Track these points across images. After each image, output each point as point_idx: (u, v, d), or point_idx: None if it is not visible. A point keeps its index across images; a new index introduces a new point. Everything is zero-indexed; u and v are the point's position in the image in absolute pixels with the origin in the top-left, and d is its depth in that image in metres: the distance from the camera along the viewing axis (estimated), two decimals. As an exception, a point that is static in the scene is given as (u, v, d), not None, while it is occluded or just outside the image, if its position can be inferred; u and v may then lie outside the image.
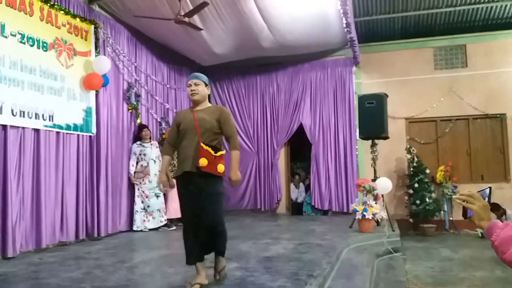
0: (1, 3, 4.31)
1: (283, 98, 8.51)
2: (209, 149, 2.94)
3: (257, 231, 6.00)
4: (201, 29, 6.09)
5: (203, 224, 2.93)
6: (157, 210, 6.35)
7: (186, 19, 5.26)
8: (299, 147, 8.94)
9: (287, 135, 8.41)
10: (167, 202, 6.59)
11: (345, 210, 7.82)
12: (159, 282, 3.30)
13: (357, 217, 5.79)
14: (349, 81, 8.08)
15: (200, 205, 2.93)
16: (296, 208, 8.79)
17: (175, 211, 6.43)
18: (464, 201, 1.48)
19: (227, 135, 3.09)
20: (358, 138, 7.40)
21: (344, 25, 6.19)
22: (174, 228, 6.42)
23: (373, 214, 5.73)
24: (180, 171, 3.02)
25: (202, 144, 2.93)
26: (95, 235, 5.48)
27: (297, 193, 9.03)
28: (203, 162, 2.90)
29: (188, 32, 6.36)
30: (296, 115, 8.36)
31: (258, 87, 8.72)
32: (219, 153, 3.00)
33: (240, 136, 8.70)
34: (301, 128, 8.32)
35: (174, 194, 6.55)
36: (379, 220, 6.12)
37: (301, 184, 9.17)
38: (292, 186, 8.91)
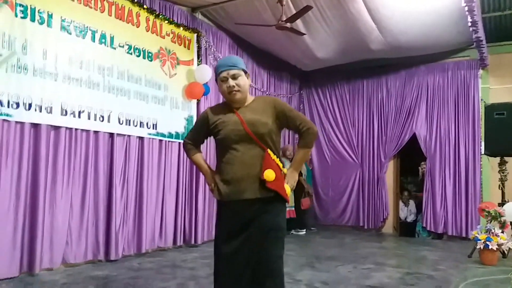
0: (110, 16, 4.79)
1: (393, 104, 8.08)
2: (277, 160, 2.23)
3: (359, 252, 5.76)
4: (303, 34, 6.07)
5: (253, 273, 2.16)
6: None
7: (288, 25, 5.28)
8: (411, 160, 8.41)
9: (397, 146, 7.96)
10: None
11: (463, 235, 7.14)
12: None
13: (478, 247, 5.23)
14: (474, 87, 7.35)
15: (255, 245, 2.16)
16: (404, 229, 8.27)
17: None
18: None
19: (300, 128, 2.28)
20: (483, 153, 6.70)
21: (470, 24, 5.65)
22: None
23: (498, 245, 5.12)
24: (228, 196, 2.23)
25: (269, 151, 2.20)
26: (192, 242, 5.77)
27: (406, 212, 8.49)
28: (269, 175, 2.15)
29: (290, 36, 6.39)
30: (408, 124, 7.87)
31: (365, 93, 8.41)
32: (285, 170, 2.30)
33: (342, 146, 8.51)
34: (414, 139, 7.81)
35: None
36: (506, 251, 5.45)
37: (411, 202, 8.61)
38: (400, 203, 8.41)
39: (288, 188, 2.25)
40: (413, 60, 7.74)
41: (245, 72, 2.30)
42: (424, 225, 7.62)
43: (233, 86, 2.23)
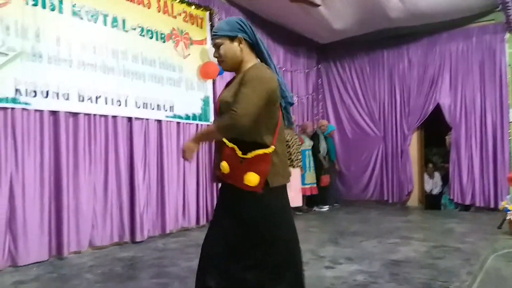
0: (121, -2, 4.76)
1: (415, 74, 7.88)
2: (235, 147, 1.93)
3: (383, 227, 5.72)
4: (318, 5, 5.93)
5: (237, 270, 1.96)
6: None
7: (302, -4, 5.16)
8: (436, 131, 8.23)
9: (421, 117, 7.79)
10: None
11: (492, 206, 6.99)
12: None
13: (508, 217, 5.12)
14: (501, 52, 7.05)
15: (236, 237, 1.97)
16: (430, 201, 8.15)
17: (291, 199, 6.59)
18: None
19: (231, 107, 1.87)
20: (511, 121, 6.50)
21: (493, -15, 5.42)
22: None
23: (529, 215, 5.01)
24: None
25: (224, 140, 1.99)
26: (215, 221, 5.83)
27: (432, 184, 8.37)
28: (224, 167, 1.96)
29: (305, 9, 6.26)
30: (431, 94, 7.67)
31: (385, 64, 8.22)
32: (251, 154, 1.90)
33: (364, 120, 8.39)
34: (438, 109, 7.62)
35: (291, 181, 6.64)
36: (538, 222, 5.32)
37: (436, 174, 8.46)
38: (425, 175, 8.28)
39: (251, 176, 1.88)
40: (435, 27, 7.47)
41: (232, 38, 1.99)
42: (451, 197, 7.49)
43: (216, 57, 2.05)
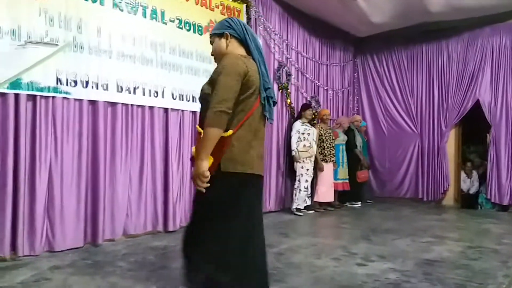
0: (160, -11, 4.79)
1: (455, 70, 7.64)
2: (202, 132, 1.99)
3: (417, 225, 5.60)
4: (357, -2, 5.83)
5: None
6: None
7: (340, -11, 5.07)
8: (474, 128, 7.96)
9: (459, 114, 7.56)
10: (316, 184, 6.65)
11: (532, 208, 6.75)
12: (305, 275, 3.34)
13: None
14: (546, 47, 6.78)
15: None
16: (466, 201, 7.92)
17: (323, 194, 6.64)
18: None
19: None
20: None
21: (543, -24, 5.17)
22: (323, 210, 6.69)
23: None
24: None
25: (197, 127, 2.08)
26: (246, 214, 5.85)
27: (469, 183, 8.11)
28: (193, 151, 2.07)
29: (343, 2, 6.16)
30: (471, 91, 7.42)
31: (424, 58, 8.02)
32: None
33: (400, 115, 8.22)
34: (477, 105, 7.37)
35: (323, 176, 6.59)
36: None
37: (474, 173, 8.20)
38: (462, 174, 8.03)
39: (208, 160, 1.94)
40: (477, 21, 7.21)
41: (220, 35, 2.16)
42: (488, 197, 7.27)
43: (212, 55, 2.26)
